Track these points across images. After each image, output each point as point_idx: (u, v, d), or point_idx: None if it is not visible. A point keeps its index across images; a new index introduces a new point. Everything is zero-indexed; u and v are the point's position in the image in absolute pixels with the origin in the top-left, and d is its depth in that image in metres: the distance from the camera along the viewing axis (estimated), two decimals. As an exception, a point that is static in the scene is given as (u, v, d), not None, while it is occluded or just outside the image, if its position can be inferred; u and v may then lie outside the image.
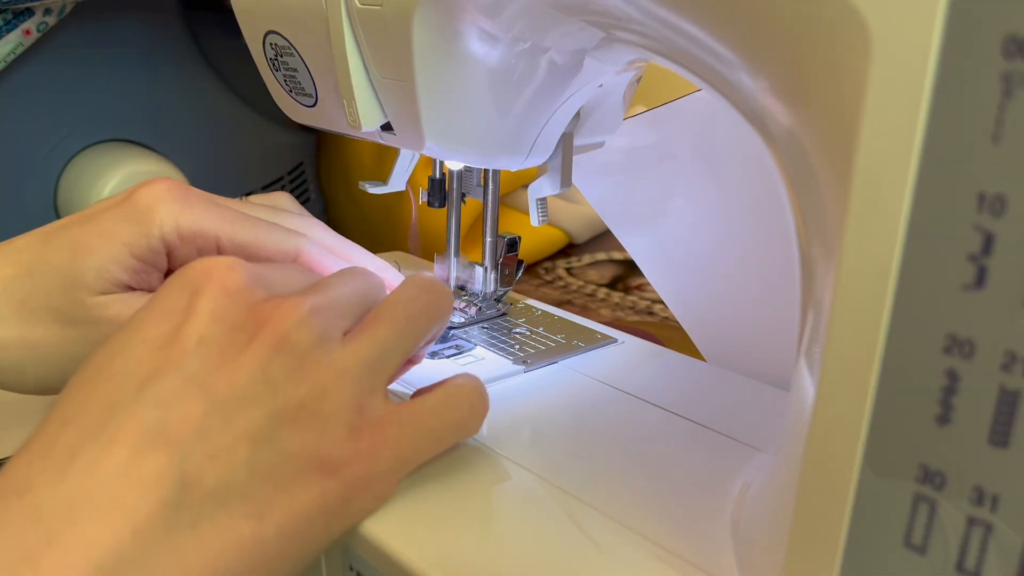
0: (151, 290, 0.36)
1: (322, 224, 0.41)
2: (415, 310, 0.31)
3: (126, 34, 0.60)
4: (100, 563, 0.22)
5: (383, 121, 0.37)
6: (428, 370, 0.39)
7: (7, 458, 0.25)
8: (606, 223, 0.49)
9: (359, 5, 0.34)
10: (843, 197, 0.19)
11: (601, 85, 0.38)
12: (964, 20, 0.17)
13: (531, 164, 0.40)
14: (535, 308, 0.48)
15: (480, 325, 0.45)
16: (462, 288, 0.47)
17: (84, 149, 0.60)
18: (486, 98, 0.35)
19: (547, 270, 0.69)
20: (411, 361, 0.33)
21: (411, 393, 0.32)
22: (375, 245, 0.66)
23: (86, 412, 0.25)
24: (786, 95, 0.23)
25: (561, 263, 0.70)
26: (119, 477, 0.23)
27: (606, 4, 0.28)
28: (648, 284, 0.57)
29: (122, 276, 0.34)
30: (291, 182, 0.69)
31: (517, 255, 0.46)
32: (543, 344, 0.43)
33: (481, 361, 0.41)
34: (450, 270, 0.47)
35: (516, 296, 0.50)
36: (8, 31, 0.51)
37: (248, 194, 0.55)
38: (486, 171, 0.44)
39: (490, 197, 0.44)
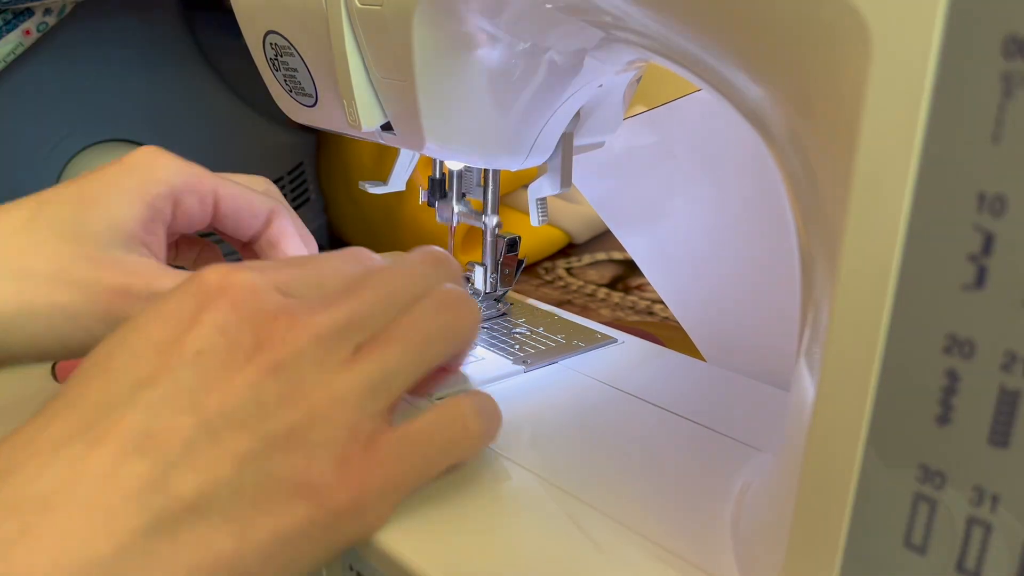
0: (157, 249, 0.36)
1: (291, 211, 0.42)
2: (434, 331, 0.29)
3: (126, 34, 0.60)
4: (72, 560, 0.21)
5: (383, 121, 0.37)
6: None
7: None
8: (606, 223, 0.49)
9: (359, 5, 0.34)
10: (843, 197, 0.19)
11: (601, 85, 0.38)
12: (964, 20, 0.17)
13: (531, 164, 0.40)
14: (535, 308, 0.48)
15: (480, 325, 0.45)
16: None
17: (84, 149, 0.60)
18: (486, 98, 0.35)
19: (547, 270, 0.69)
20: (445, 370, 0.32)
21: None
22: (375, 245, 0.66)
23: (77, 406, 0.24)
24: (786, 95, 0.23)
25: (561, 263, 0.70)
26: (102, 477, 0.23)
27: (606, 4, 0.28)
28: (648, 284, 0.57)
29: (132, 225, 0.34)
30: (291, 182, 0.69)
31: (517, 255, 0.46)
32: (543, 344, 0.43)
33: (481, 361, 0.41)
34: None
35: (516, 296, 0.50)
36: (8, 31, 0.51)
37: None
38: (486, 171, 0.44)
39: (490, 197, 0.44)
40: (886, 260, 0.19)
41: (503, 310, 0.47)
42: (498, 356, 0.41)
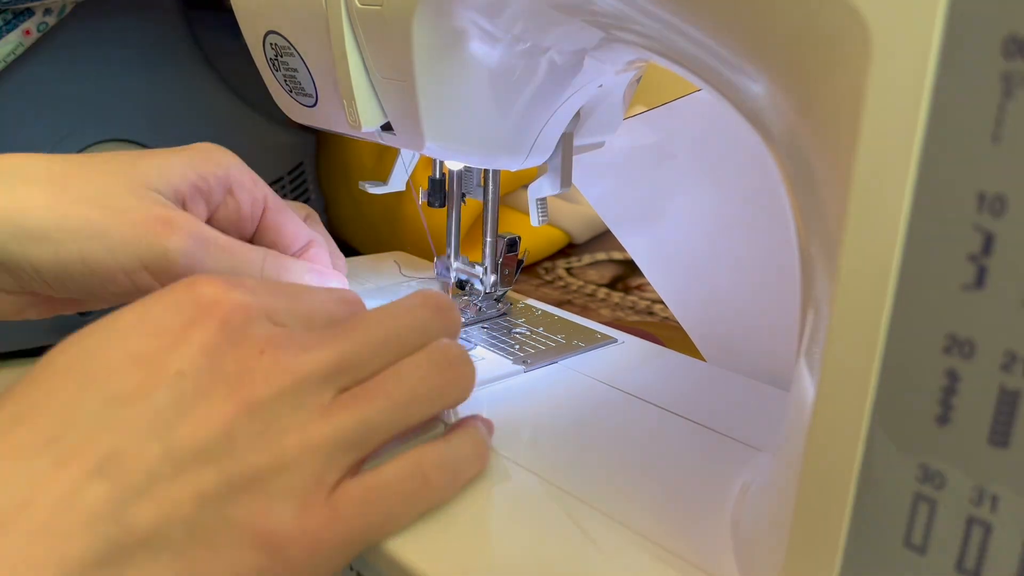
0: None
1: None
2: (422, 391, 0.28)
3: (126, 34, 0.60)
4: None
5: (383, 121, 0.37)
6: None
7: None
8: (606, 223, 0.49)
9: (359, 5, 0.34)
10: (843, 197, 0.19)
11: (601, 85, 0.38)
12: (964, 20, 0.17)
13: (531, 164, 0.40)
14: (535, 308, 0.48)
15: (480, 325, 0.45)
16: (462, 287, 0.47)
17: (84, 149, 0.60)
18: (486, 98, 0.35)
19: (547, 270, 0.69)
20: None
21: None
22: (375, 245, 0.66)
23: (45, 412, 0.23)
24: (786, 95, 0.23)
25: (561, 263, 0.70)
26: (60, 499, 0.22)
27: (606, 4, 0.28)
28: (648, 284, 0.57)
29: (180, 185, 0.35)
30: (291, 182, 0.69)
31: (517, 255, 0.46)
32: (543, 344, 0.43)
33: (481, 361, 0.41)
34: (450, 270, 0.47)
35: (516, 296, 0.50)
36: (8, 31, 0.51)
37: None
38: (486, 171, 0.44)
39: (490, 197, 0.44)
40: (886, 260, 0.19)
41: (503, 310, 0.47)
42: (498, 356, 0.41)
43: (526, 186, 0.49)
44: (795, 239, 0.25)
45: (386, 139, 0.38)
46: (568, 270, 0.68)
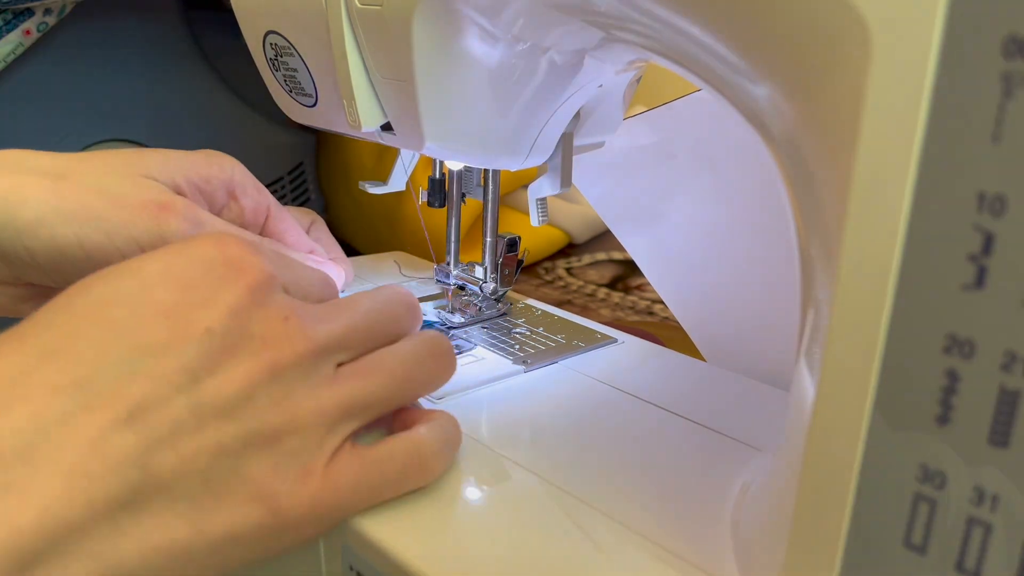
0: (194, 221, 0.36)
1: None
2: (418, 373, 0.30)
3: (126, 34, 0.60)
4: (50, 521, 0.21)
5: (383, 121, 0.37)
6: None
7: None
8: (606, 223, 0.49)
9: (359, 5, 0.34)
10: (843, 197, 0.19)
11: (601, 85, 0.38)
12: (964, 20, 0.17)
13: (531, 164, 0.40)
14: (535, 308, 0.48)
15: (480, 325, 0.45)
16: (462, 288, 0.47)
17: (84, 149, 0.60)
18: (486, 98, 0.35)
19: (547, 270, 0.69)
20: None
21: None
22: (375, 245, 0.66)
23: (74, 354, 0.24)
24: (786, 95, 0.23)
25: (561, 263, 0.70)
26: (89, 443, 0.23)
27: (606, 4, 0.28)
28: (648, 284, 0.57)
29: (180, 181, 0.36)
30: (291, 182, 0.69)
31: (517, 255, 0.46)
32: (543, 344, 0.43)
33: (481, 361, 0.41)
34: (449, 276, 0.47)
35: (516, 296, 0.50)
36: (8, 31, 0.51)
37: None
38: (486, 171, 0.44)
39: (490, 197, 0.44)
40: (886, 260, 0.19)
41: (503, 310, 0.47)
42: (498, 356, 0.41)
43: (526, 186, 0.49)
44: (795, 239, 0.25)
45: (386, 139, 0.38)
46: (568, 270, 0.68)
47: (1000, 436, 0.18)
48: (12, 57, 0.52)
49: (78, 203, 0.33)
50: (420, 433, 0.29)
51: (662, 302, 0.51)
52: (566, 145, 0.40)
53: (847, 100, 0.19)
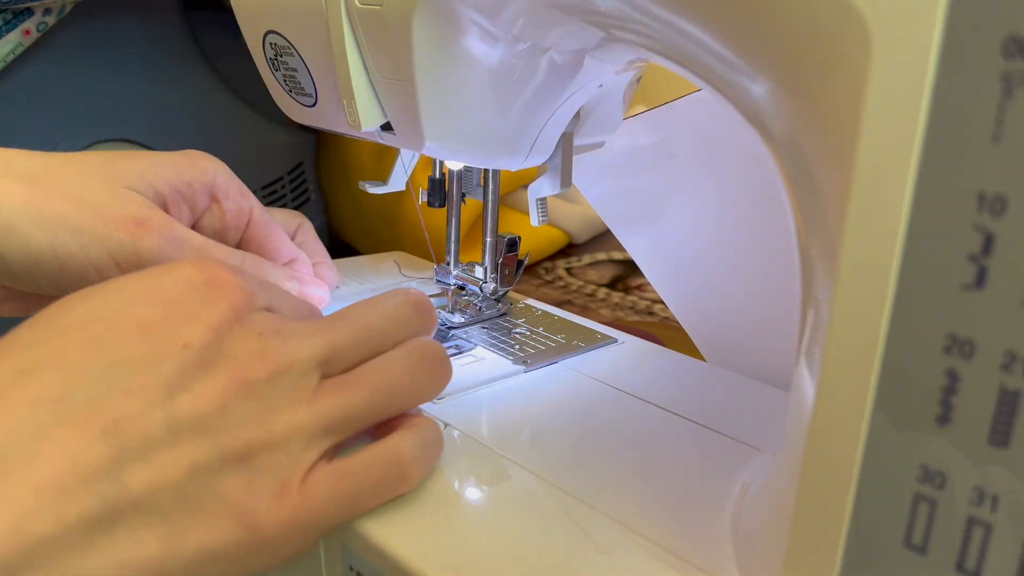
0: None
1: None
2: (403, 385, 0.30)
3: (126, 34, 0.60)
4: (18, 534, 0.21)
5: (383, 121, 0.37)
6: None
7: None
8: (606, 223, 0.49)
9: (359, 5, 0.34)
10: (843, 197, 0.19)
11: (601, 85, 0.38)
12: (964, 20, 0.17)
13: (531, 164, 0.40)
14: (535, 308, 0.48)
15: (480, 325, 0.45)
16: (462, 288, 0.47)
17: (84, 149, 0.60)
18: (486, 98, 0.35)
19: (547, 270, 0.69)
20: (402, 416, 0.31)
21: None
22: (375, 245, 0.66)
23: (55, 369, 0.24)
24: (786, 95, 0.23)
25: (561, 263, 0.70)
26: (64, 457, 0.22)
27: (606, 4, 0.28)
28: (648, 284, 0.57)
29: (162, 187, 0.35)
30: (291, 182, 0.69)
31: (517, 255, 0.46)
32: (543, 344, 0.43)
33: (481, 361, 0.41)
34: (450, 270, 0.47)
35: (516, 296, 0.50)
36: (8, 31, 0.51)
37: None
38: (486, 171, 0.44)
39: (490, 197, 0.44)
40: (886, 260, 0.19)
41: (503, 310, 0.47)
42: (498, 356, 0.41)
43: (526, 186, 0.49)
44: (795, 239, 0.25)
45: (386, 139, 0.38)
46: (568, 270, 0.68)
47: (1000, 436, 0.18)
48: (12, 57, 0.52)
49: (54, 212, 0.33)
50: (396, 441, 0.29)
51: (662, 302, 0.51)
52: (566, 145, 0.40)
53: (847, 100, 0.19)
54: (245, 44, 0.42)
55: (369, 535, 0.28)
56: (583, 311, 0.59)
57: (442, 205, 0.46)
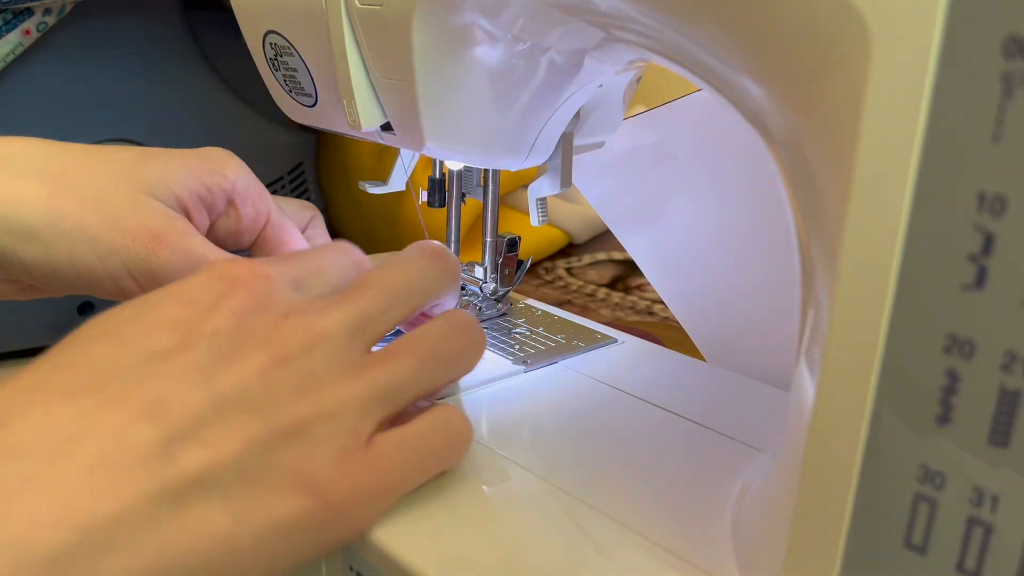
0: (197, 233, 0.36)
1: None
2: (447, 351, 0.30)
3: (126, 34, 0.60)
4: (75, 515, 0.21)
5: (383, 121, 0.37)
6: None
7: None
8: (606, 223, 0.49)
9: (359, 5, 0.34)
10: (843, 197, 0.19)
11: (601, 85, 0.38)
12: (964, 20, 0.17)
13: (531, 164, 0.40)
14: (535, 308, 0.48)
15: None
16: (462, 288, 0.47)
17: (84, 149, 0.60)
18: (486, 98, 0.35)
19: (547, 270, 0.69)
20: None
21: None
22: (375, 245, 0.66)
23: (83, 365, 0.24)
24: (786, 95, 0.23)
25: (561, 263, 0.70)
26: (111, 436, 0.22)
27: (606, 4, 0.28)
28: (648, 284, 0.57)
29: (182, 193, 0.35)
30: (291, 182, 0.69)
31: (517, 255, 0.46)
32: (543, 344, 0.43)
33: (481, 361, 0.41)
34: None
35: (516, 296, 0.50)
36: (8, 31, 0.51)
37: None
38: (486, 171, 0.44)
39: (490, 197, 0.44)
40: (886, 260, 0.19)
41: (503, 310, 0.47)
42: (498, 356, 0.41)
43: (526, 186, 0.49)
44: (795, 239, 0.25)
45: (386, 139, 0.38)
46: (568, 270, 0.68)
47: (1000, 436, 0.18)
48: (12, 57, 0.52)
49: (75, 221, 0.33)
50: (443, 410, 0.30)
51: (662, 302, 0.51)
52: (566, 145, 0.40)
53: (847, 100, 0.19)
54: (245, 44, 0.42)
55: (369, 535, 0.28)
56: (583, 311, 0.59)
57: (442, 205, 0.46)
